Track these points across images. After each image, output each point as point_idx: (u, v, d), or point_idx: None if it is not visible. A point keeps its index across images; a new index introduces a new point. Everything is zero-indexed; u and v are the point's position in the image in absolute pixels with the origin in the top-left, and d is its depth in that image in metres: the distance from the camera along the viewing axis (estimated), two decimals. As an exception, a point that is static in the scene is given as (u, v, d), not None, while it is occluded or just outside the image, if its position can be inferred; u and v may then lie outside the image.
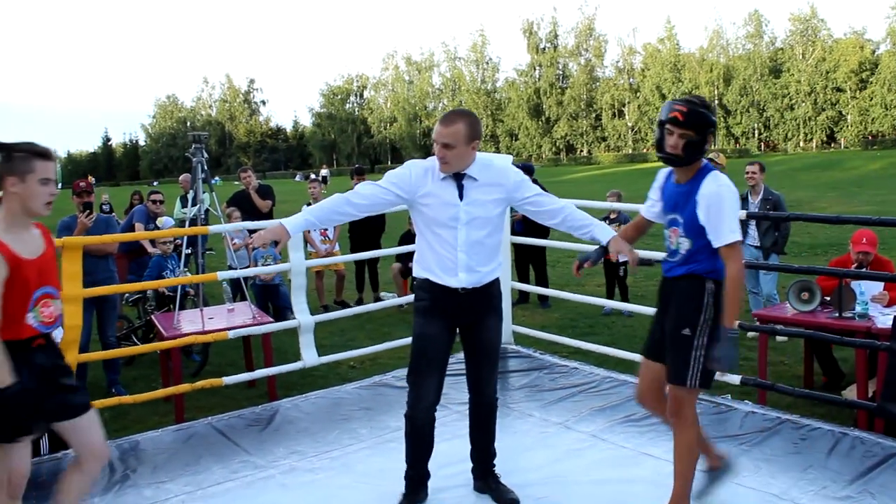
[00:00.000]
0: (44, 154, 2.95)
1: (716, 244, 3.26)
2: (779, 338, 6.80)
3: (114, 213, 7.15)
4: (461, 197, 3.49)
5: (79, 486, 3.16)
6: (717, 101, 71.30)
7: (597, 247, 3.68)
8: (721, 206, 3.22)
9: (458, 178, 3.50)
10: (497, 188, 3.56)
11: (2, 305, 2.83)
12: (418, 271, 3.66)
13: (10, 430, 2.80)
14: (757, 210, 7.35)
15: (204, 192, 6.88)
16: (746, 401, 5.02)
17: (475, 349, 3.74)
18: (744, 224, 7.39)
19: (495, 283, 3.71)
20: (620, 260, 8.18)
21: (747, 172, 7.49)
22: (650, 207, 3.65)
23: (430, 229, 3.55)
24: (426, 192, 3.51)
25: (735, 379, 5.04)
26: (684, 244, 3.34)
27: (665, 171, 3.58)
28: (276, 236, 3.40)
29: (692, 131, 3.22)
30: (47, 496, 4.08)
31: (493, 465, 3.94)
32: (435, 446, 3.77)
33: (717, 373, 5.01)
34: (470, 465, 3.96)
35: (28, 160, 2.90)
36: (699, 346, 3.32)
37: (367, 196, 3.53)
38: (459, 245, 3.51)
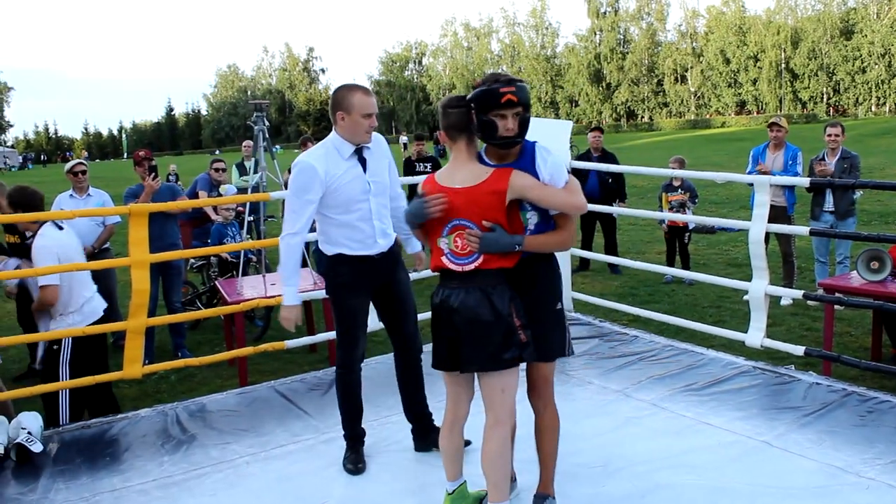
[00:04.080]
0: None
1: None
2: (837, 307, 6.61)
3: (179, 182, 7.30)
4: (365, 169, 3.76)
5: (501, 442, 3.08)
6: (783, 65, 69.23)
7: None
8: (562, 168, 3.12)
9: (359, 151, 3.77)
10: (384, 155, 3.91)
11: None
12: (331, 249, 3.84)
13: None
14: (834, 169, 7.18)
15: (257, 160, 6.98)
16: (811, 371, 4.92)
17: (396, 306, 4.01)
18: (820, 190, 7.20)
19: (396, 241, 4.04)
20: (690, 227, 8.07)
21: (829, 135, 7.36)
22: None
23: (344, 207, 3.73)
24: (339, 174, 3.70)
25: (799, 350, 4.95)
26: (533, 218, 3.16)
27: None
28: (297, 317, 3.80)
29: (522, 108, 3.06)
30: (95, 461, 4.25)
31: (433, 419, 4.15)
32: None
33: (781, 343, 4.90)
34: None
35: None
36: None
37: (305, 221, 3.72)
38: (374, 214, 3.78)
